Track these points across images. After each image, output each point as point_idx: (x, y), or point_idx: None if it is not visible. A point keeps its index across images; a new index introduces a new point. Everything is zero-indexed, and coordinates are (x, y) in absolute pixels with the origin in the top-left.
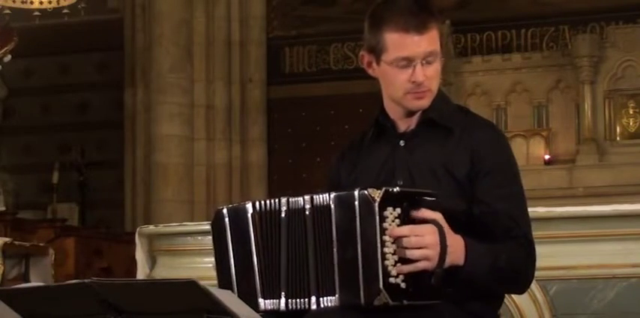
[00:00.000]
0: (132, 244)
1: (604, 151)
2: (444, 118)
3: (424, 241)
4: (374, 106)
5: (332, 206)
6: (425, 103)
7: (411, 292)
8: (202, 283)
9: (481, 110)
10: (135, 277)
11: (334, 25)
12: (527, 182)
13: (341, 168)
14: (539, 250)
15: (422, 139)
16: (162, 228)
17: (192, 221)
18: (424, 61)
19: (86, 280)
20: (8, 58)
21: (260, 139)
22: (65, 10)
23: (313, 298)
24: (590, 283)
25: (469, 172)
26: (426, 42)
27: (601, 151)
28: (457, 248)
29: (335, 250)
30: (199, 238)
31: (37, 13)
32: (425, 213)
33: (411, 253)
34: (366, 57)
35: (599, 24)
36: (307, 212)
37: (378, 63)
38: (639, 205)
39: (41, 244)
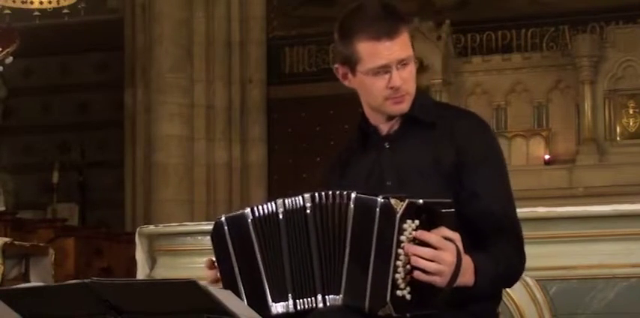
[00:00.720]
0: (132, 244)
1: (604, 151)
2: (425, 114)
3: (440, 255)
4: None
5: (351, 206)
6: (404, 106)
7: (414, 304)
8: (202, 283)
9: (481, 110)
10: (135, 277)
11: (334, 25)
12: (527, 182)
13: (334, 171)
14: (540, 250)
15: (406, 138)
16: (162, 228)
17: (192, 221)
18: (399, 65)
19: (86, 280)
20: (10, 59)
21: (260, 139)
22: (65, 10)
23: (319, 297)
24: (590, 283)
25: (455, 162)
26: (399, 47)
27: (601, 151)
28: (468, 270)
29: (347, 251)
30: (199, 238)
31: (37, 13)
32: (445, 232)
33: (425, 265)
34: (340, 69)
35: (599, 24)
36: (308, 211)
37: (353, 74)
38: (639, 205)
39: (41, 244)
